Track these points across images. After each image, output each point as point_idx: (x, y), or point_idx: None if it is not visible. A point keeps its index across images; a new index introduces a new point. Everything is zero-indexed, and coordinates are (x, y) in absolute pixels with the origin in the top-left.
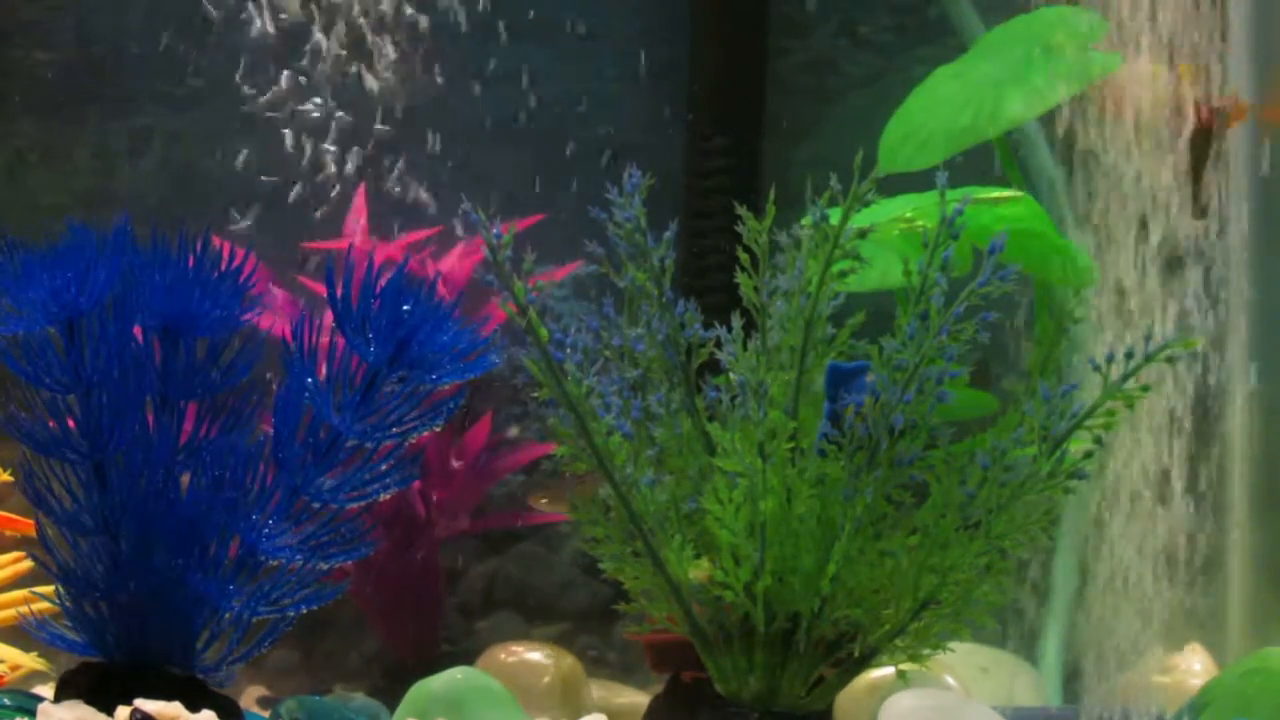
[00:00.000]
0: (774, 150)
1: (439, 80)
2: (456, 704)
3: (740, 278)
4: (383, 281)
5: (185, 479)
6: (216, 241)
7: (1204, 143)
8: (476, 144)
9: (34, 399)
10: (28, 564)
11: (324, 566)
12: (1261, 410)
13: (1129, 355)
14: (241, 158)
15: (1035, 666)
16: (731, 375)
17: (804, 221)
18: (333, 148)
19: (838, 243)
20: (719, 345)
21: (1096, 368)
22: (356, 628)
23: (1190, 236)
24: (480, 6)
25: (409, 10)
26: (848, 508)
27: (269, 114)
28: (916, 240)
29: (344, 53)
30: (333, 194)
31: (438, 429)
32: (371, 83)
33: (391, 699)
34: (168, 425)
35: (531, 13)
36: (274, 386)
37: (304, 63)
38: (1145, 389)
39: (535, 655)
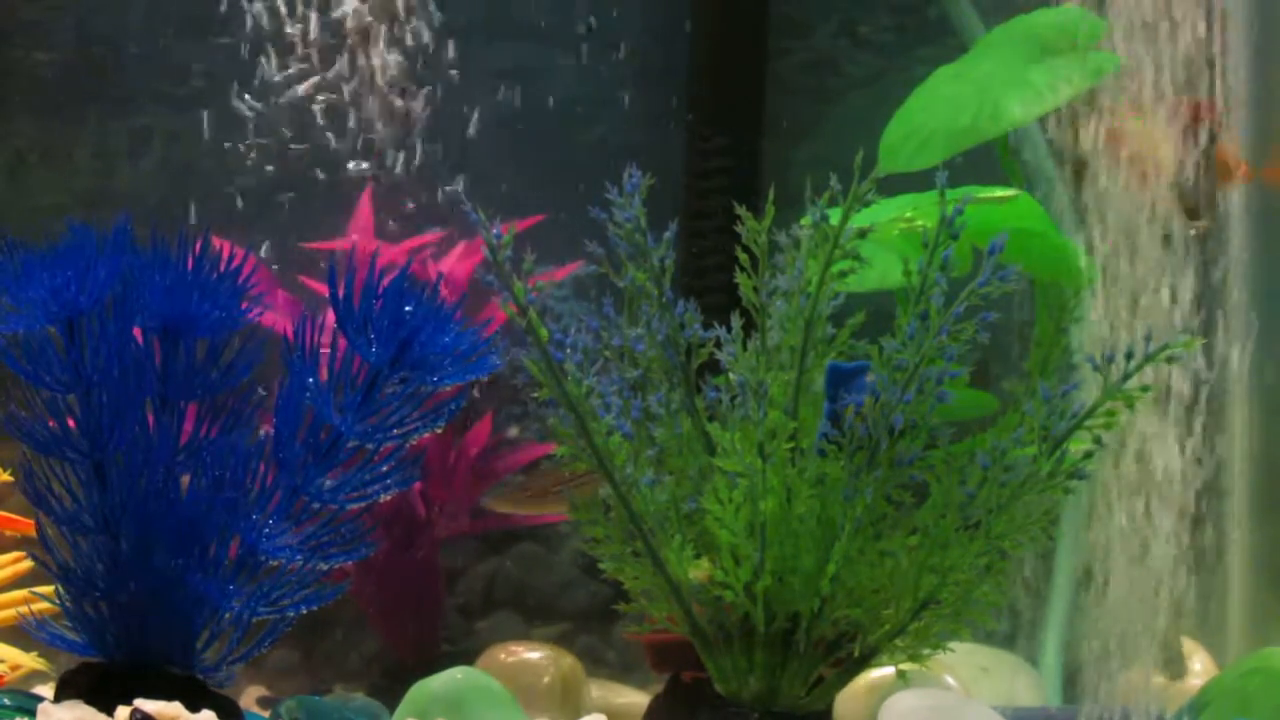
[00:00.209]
0: (774, 150)
1: (439, 80)
2: (456, 704)
3: (740, 278)
4: (385, 282)
5: (185, 479)
6: (216, 242)
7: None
8: (477, 144)
9: (34, 398)
10: (28, 564)
11: (324, 567)
12: (1262, 409)
13: (1129, 355)
14: (242, 158)
15: (1035, 666)
16: (731, 375)
17: (803, 221)
18: (333, 148)
19: (838, 243)
20: (719, 345)
21: (1096, 367)
22: (356, 628)
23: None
24: (480, 6)
25: (409, 10)
26: (848, 508)
27: (269, 114)
28: (916, 240)
29: (343, 51)
30: (333, 194)
31: (439, 430)
32: (372, 82)
33: (391, 699)
34: (168, 425)
35: (531, 13)
36: (275, 386)
37: (304, 62)
38: (1145, 389)
39: (535, 655)
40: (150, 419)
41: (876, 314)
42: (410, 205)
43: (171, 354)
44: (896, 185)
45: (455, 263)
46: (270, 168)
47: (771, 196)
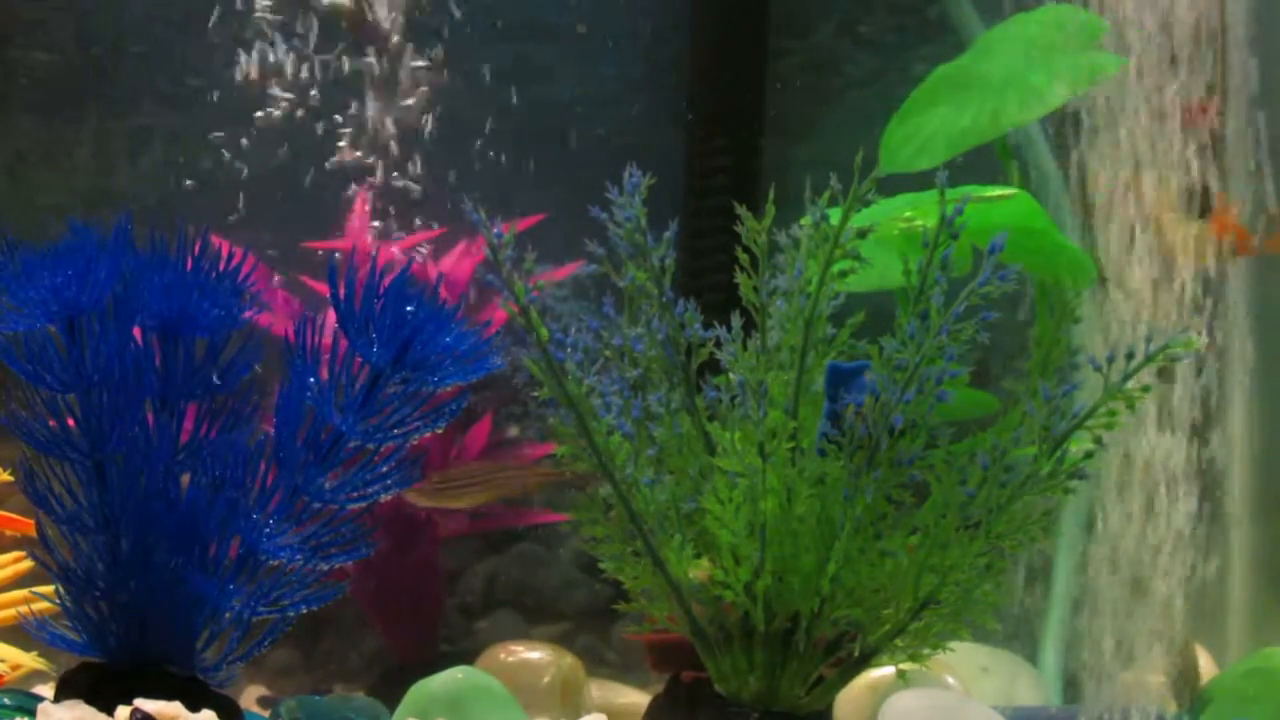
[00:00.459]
0: (774, 150)
1: (439, 80)
2: (456, 704)
3: (740, 277)
4: (386, 282)
5: (185, 479)
6: (215, 242)
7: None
8: (476, 144)
9: (34, 398)
10: (28, 564)
11: (324, 567)
12: (1261, 410)
13: (1129, 355)
14: (241, 158)
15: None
16: (731, 375)
17: (803, 221)
18: (333, 147)
19: (837, 242)
20: (719, 345)
21: (1097, 368)
22: (356, 628)
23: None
24: (481, 6)
25: (409, 11)
26: (848, 507)
27: (269, 114)
28: (916, 240)
29: (345, 52)
30: (333, 195)
31: (439, 430)
32: (371, 83)
33: (391, 699)
34: (167, 425)
35: (532, 13)
36: (275, 385)
37: (305, 63)
38: (1146, 389)
39: (535, 655)
40: (150, 419)
41: (876, 314)
42: (410, 205)
43: (171, 353)
44: (896, 185)
45: (455, 262)
46: (270, 168)
47: (771, 196)
